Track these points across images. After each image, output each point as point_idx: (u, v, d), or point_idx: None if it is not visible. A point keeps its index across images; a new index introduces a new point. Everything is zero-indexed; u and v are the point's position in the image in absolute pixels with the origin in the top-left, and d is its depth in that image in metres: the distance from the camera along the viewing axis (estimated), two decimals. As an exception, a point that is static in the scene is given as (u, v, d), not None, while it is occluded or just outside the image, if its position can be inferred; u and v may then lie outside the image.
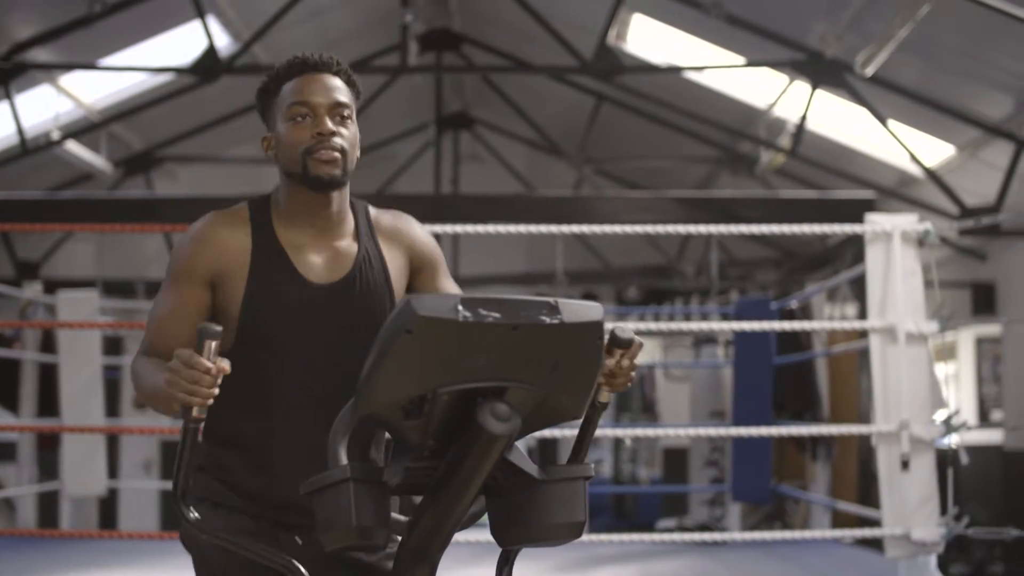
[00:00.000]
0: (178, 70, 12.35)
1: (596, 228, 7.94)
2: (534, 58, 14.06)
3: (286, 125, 3.31)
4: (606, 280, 17.67)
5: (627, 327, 3.01)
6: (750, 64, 12.69)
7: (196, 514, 2.95)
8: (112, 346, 14.04)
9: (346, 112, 3.34)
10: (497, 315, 2.62)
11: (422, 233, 3.52)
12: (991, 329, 14.14)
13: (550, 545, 2.94)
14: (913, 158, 12.24)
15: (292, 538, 3.24)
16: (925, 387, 6.97)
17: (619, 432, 10.75)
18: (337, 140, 3.29)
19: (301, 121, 3.29)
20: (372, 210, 3.48)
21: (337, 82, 3.36)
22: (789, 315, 11.94)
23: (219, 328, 2.81)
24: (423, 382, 2.65)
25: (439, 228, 7.35)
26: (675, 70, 13.39)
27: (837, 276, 11.13)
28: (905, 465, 6.84)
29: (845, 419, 12.75)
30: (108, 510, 14.73)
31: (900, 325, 6.90)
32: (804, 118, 12.49)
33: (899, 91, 11.84)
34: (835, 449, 12.94)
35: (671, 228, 8.00)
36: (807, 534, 7.59)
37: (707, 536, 8.40)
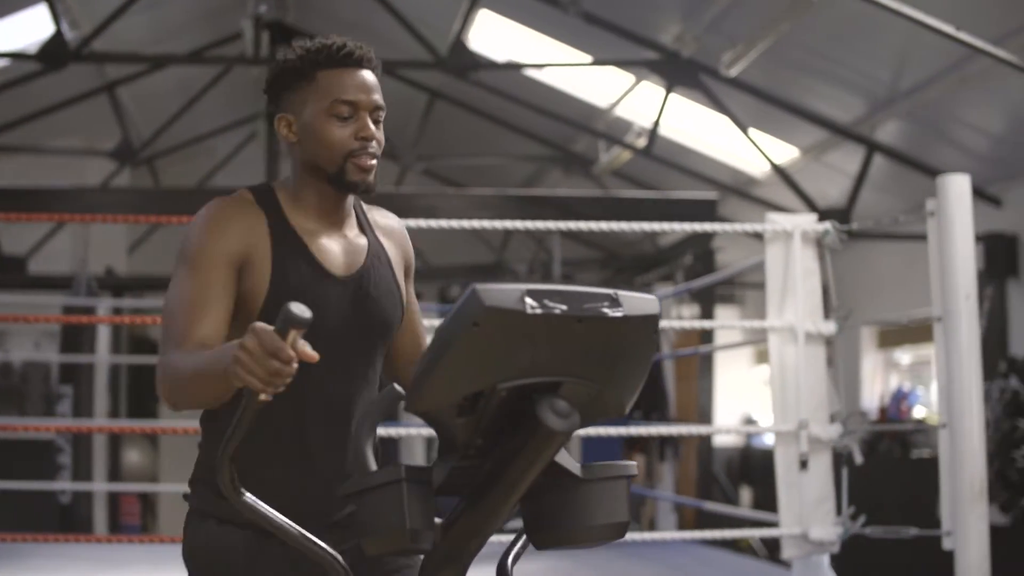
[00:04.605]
0: (23, 56, 11.96)
1: (451, 223, 7.73)
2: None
3: (324, 120, 3.13)
4: (428, 278, 17.60)
5: None
6: (596, 63, 12.70)
7: (249, 495, 2.68)
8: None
9: (382, 114, 3.20)
10: (564, 307, 2.49)
11: (407, 237, 3.42)
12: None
13: (590, 546, 2.83)
14: (773, 165, 12.37)
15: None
16: (823, 387, 6.98)
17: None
18: (375, 145, 3.15)
19: (343, 120, 3.13)
20: (363, 204, 3.36)
21: (375, 80, 3.21)
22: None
23: (308, 316, 2.51)
24: (484, 377, 2.50)
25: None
26: (517, 67, 13.33)
27: (710, 276, 11.13)
28: (804, 465, 6.84)
29: (687, 419, 12.86)
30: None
31: (799, 325, 6.90)
32: (659, 118, 12.54)
33: (751, 93, 11.94)
34: (682, 449, 13.04)
35: (542, 224, 7.76)
36: (709, 534, 7.55)
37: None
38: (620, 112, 14.28)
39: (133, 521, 15.63)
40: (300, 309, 2.49)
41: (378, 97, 3.18)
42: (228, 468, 2.66)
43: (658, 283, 15.01)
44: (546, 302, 2.47)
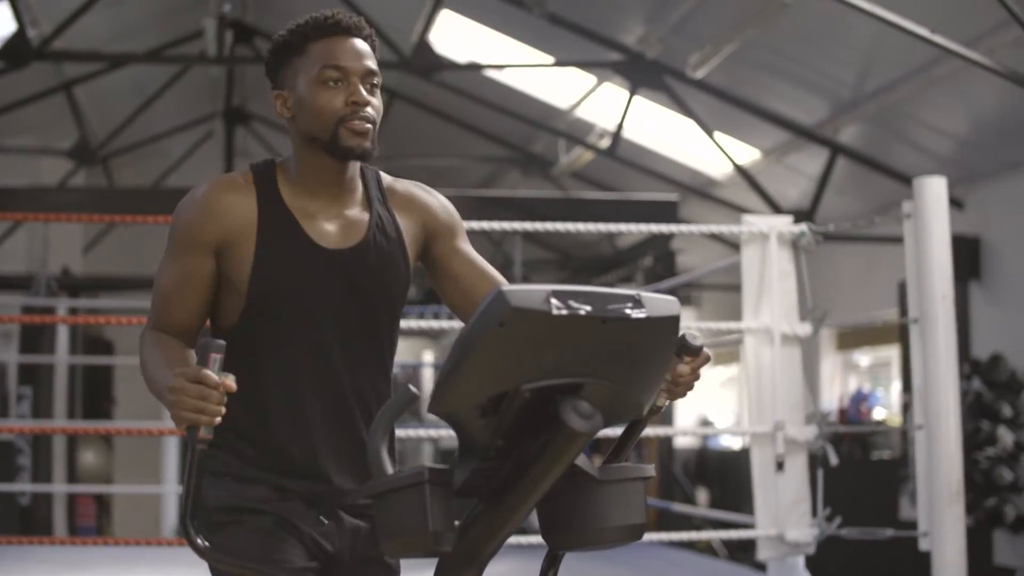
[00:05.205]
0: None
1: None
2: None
3: (315, 88, 3.12)
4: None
5: (696, 334, 2.90)
6: (559, 64, 12.68)
7: (206, 542, 2.75)
8: None
9: (376, 80, 3.18)
10: (588, 308, 2.47)
11: (439, 200, 3.36)
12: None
13: (607, 548, 2.82)
14: (737, 167, 12.37)
15: (317, 516, 3.10)
16: (798, 389, 6.98)
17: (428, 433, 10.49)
18: (370, 110, 3.12)
19: (333, 86, 3.11)
20: (385, 177, 3.32)
21: (368, 48, 3.19)
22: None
23: (223, 343, 2.68)
24: (508, 378, 2.49)
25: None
26: (480, 68, 13.30)
27: (676, 278, 11.14)
28: (780, 466, 6.84)
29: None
30: None
31: (775, 327, 6.90)
32: (623, 119, 12.53)
33: (715, 95, 11.95)
34: (644, 451, 13.07)
35: (512, 225, 7.63)
36: (686, 536, 7.54)
37: (533, 540, 8.22)
38: (581, 113, 14.27)
39: (88, 522, 15.54)
40: (213, 341, 2.69)
41: (370, 63, 3.17)
42: (190, 523, 2.72)
43: (618, 285, 15.00)
44: (571, 303, 2.46)
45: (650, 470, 2.85)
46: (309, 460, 3.08)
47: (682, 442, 17.21)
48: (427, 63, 12.03)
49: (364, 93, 3.12)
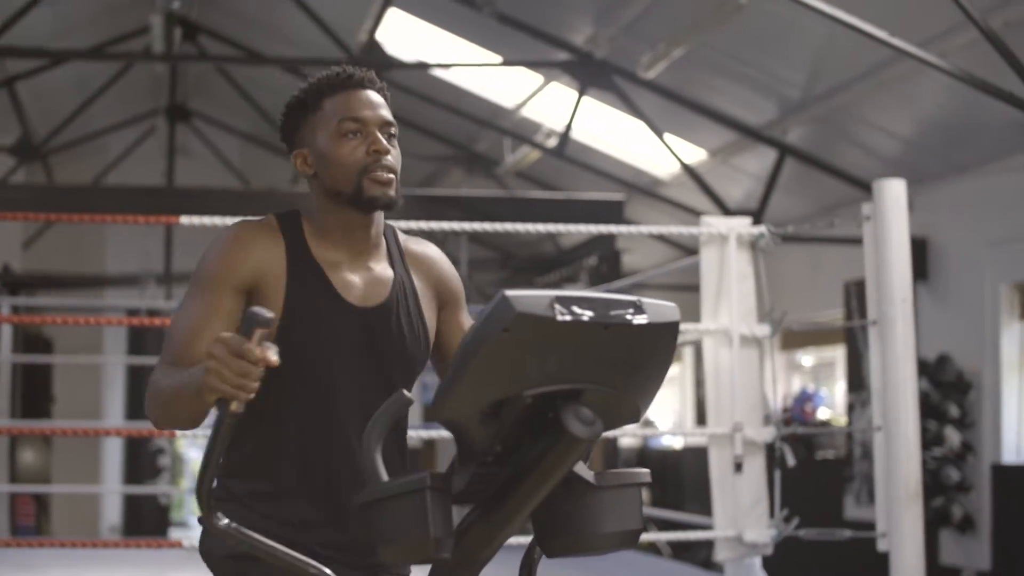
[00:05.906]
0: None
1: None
2: (269, 51, 13.91)
3: (334, 141, 3.15)
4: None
5: None
6: (507, 63, 12.66)
7: (226, 519, 2.67)
8: None
9: (393, 130, 3.21)
10: (591, 314, 2.48)
11: (448, 266, 3.39)
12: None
13: (602, 554, 2.81)
14: (685, 168, 12.38)
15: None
16: (757, 390, 7.00)
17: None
18: (390, 159, 3.16)
19: (352, 138, 3.14)
20: (400, 235, 3.35)
21: (382, 99, 3.23)
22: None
23: (271, 315, 2.55)
24: (511, 384, 2.49)
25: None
26: (428, 67, 13.26)
27: (626, 279, 11.15)
28: (739, 467, 6.86)
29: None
30: None
31: (734, 328, 6.92)
32: (572, 119, 12.53)
33: (663, 95, 11.95)
34: (592, 451, 13.07)
35: (467, 225, 7.50)
36: (648, 537, 7.52)
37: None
38: (527, 113, 14.25)
39: (27, 522, 15.42)
40: (262, 310, 2.53)
41: (385, 113, 3.20)
42: (207, 493, 2.65)
43: (563, 285, 15.01)
44: (574, 309, 2.46)
45: (646, 475, 2.85)
46: (313, 514, 3.09)
47: (624, 442, 17.24)
48: (375, 62, 12.00)
49: (384, 142, 3.15)
